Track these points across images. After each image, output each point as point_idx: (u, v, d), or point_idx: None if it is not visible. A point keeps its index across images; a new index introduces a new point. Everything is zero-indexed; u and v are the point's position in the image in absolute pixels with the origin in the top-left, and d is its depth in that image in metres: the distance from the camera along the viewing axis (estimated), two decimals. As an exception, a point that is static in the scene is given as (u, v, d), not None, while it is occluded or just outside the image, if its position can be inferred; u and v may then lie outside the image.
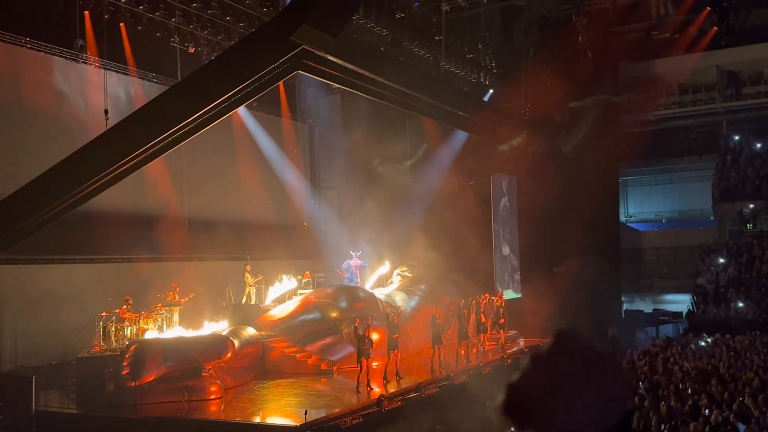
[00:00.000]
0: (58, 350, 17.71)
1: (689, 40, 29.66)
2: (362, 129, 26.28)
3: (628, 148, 28.12)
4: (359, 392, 15.13)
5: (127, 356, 14.73)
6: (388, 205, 25.08)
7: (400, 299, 21.46)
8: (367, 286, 22.64)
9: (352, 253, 22.59)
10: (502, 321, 21.39)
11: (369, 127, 25.98)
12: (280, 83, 20.69)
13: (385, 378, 16.15)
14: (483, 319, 20.45)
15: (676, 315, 29.54)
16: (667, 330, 27.66)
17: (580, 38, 24.25)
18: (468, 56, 24.40)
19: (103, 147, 15.41)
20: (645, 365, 17.26)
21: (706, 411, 11.69)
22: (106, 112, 18.08)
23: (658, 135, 31.83)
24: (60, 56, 19.59)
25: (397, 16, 22.68)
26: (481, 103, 25.16)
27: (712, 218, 32.27)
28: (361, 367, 15.29)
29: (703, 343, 21.51)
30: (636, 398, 13.07)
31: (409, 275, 23.26)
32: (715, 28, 29.32)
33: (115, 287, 18.33)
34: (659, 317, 29.56)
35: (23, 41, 18.68)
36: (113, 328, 16.51)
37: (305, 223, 28.22)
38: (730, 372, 15.48)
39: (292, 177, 27.62)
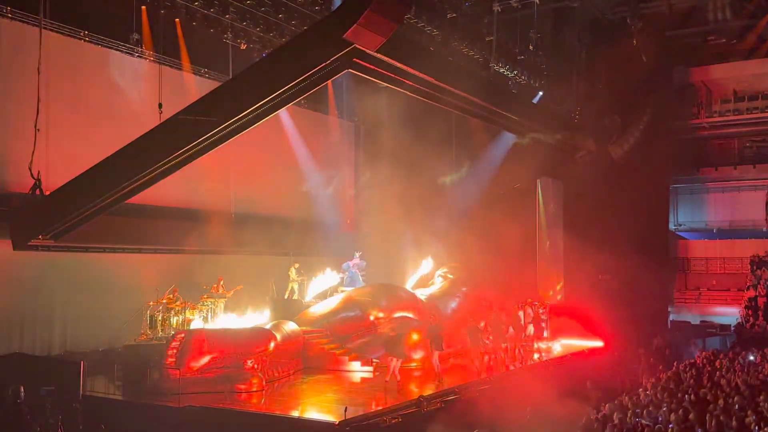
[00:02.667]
0: (106, 337, 18.15)
1: (748, 46, 28.85)
2: (408, 128, 26.22)
3: (679, 155, 27.52)
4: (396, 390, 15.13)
5: (172, 345, 15.03)
6: (431, 206, 25.01)
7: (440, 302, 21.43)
8: (409, 287, 22.63)
9: (355, 254, 22.60)
10: (543, 325, 21.25)
11: (415, 126, 25.91)
12: (329, 81, 20.83)
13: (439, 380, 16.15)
14: (525, 324, 20.32)
15: (724, 327, 28.80)
16: (714, 343, 26.97)
17: (634, 42, 23.77)
18: (518, 58, 24.14)
19: (157, 140, 15.71)
20: (691, 378, 16.89)
21: (756, 428, 11.38)
22: (160, 105, 18.41)
23: (711, 143, 31.07)
24: (116, 50, 20.05)
25: (448, 16, 22.55)
26: (531, 105, 24.88)
27: (764, 229, 31.41)
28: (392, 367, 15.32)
29: (751, 357, 20.94)
30: (681, 411, 12.80)
31: (451, 277, 23.15)
32: (776, 34, 28.48)
33: (163, 277, 18.71)
34: (706, 329, 28.85)
35: (81, 34, 19.17)
36: (160, 318, 16.86)
37: (348, 221, 28.35)
38: (780, 389, 15.02)
39: (336, 174, 27.77)
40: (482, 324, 18.28)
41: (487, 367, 17.81)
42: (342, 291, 20.78)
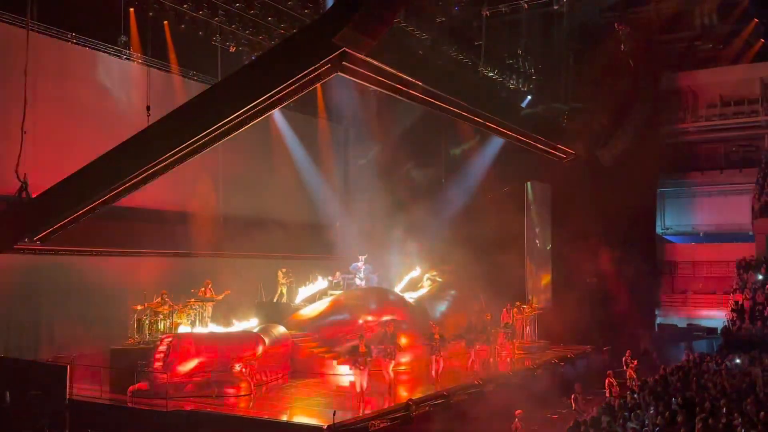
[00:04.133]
0: (93, 341, 18.00)
1: (734, 51, 29.10)
2: (397, 132, 26.27)
3: (666, 159, 27.68)
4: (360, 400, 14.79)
5: (160, 349, 14.94)
6: (420, 208, 25.03)
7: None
8: (398, 290, 22.63)
9: (360, 257, 22.55)
10: (527, 329, 21.39)
11: (404, 130, 25.96)
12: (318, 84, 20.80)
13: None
14: (512, 326, 20.42)
15: (711, 331, 28.94)
16: (701, 346, 27.13)
17: (622, 46, 23.92)
18: (507, 62, 24.22)
19: (145, 143, 15.62)
20: (678, 381, 16.97)
21: (742, 430, 11.45)
22: (148, 108, 18.33)
23: (698, 147, 31.27)
24: (104, 52, 19.97)
25: (438, 20, 22.62)
26: (519, 109, 24.98)
27: (750, 233, 31.60)
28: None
29: (738, 361, 21.06)
30: (668, 414, 12.86)
31: (440, 280, 23.18)
32: (762, 40, 28.72)
33: (151, 281, 18.60)
34: (693, 332, 29.00)
35: (69, 36, 19.07)
36: (147, 322, 16.76)
37: (337, 224, 28.31)
38: (766, 391, 15.12)
39: (325, 178, 27.73)
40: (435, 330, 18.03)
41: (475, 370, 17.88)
42: (331, 294, 20.75)
